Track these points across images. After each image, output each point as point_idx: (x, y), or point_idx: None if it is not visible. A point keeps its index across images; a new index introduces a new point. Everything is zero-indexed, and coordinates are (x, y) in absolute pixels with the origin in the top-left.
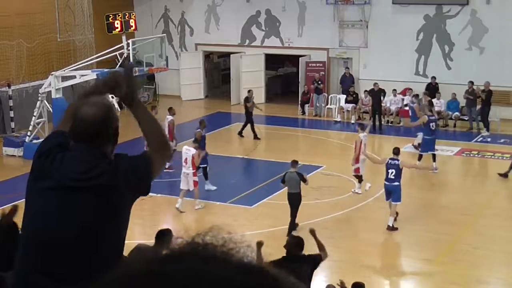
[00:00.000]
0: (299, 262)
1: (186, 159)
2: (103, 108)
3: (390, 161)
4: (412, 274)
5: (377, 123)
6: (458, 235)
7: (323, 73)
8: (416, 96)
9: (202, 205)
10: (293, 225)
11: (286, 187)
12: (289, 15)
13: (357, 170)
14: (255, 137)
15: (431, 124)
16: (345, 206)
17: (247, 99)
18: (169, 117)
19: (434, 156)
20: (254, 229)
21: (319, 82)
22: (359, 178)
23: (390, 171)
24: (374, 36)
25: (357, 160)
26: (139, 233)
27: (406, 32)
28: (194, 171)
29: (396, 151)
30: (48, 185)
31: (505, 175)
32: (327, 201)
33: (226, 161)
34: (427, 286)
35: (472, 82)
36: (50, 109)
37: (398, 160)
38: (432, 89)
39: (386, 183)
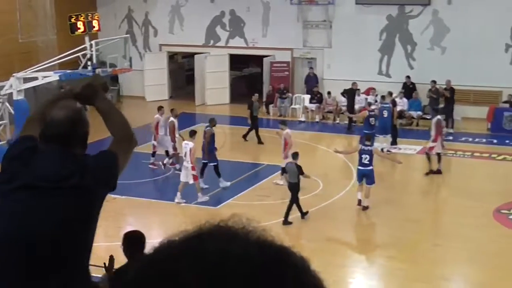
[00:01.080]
0: None
1: (185, 153)
2: (73, 111)
3: (363, 147)
4: (376, 272)
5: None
6: (421, 233)
7: (287, 73)
8: (383, 97)
9: (206, 198)
10: (300, 210)
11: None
12: (253, 16)
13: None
14: (260, 141)
15: (370, 119)
16: (310, 205)
17: (251, 104)
18: (171, 118)
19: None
20: None
21: (284, 92)
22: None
23: (363, 156)
24: (338, 36)
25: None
26: (103, 235)
27: (369, 32)
28: (192, 165)
29: (368, 138)
30: (19, 186)
31: (438, 171)
32: None
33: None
34: (391, 283)
35: (434, 81)
36: (12, 111)
37: (371, 146)
38: (408, 89)
39: (360, 167)
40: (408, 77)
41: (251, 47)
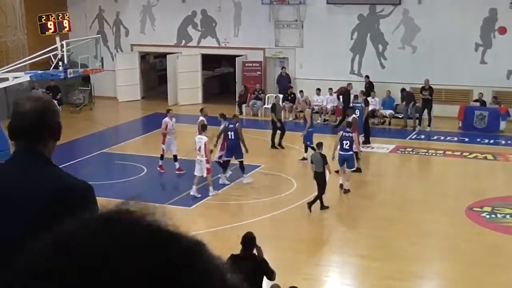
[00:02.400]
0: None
1: (199, 147)
2: (40, 101)
3: (344, 133)
4: (350, 271)
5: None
6: (394, 231)
7: (259, 72)
8: (356, 96)
9: (216, 192)
10: (320, 200)
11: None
12: (225, 15)
13: (221, 157)
14: (273, 146)
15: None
16: (283, 205)
17: (274, 107)
18: (201, 118)
19: (307, 148)
20: (193, 230)
21: (260, 92)
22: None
23: (344, 142)
24: (309, 36)
25: (221, 148)
26: None
27: (340, 31)
28: (207, 158)
29: (349, 125)
30: None
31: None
32: (266, 200)
33: (164, 162)
34: (364, 282)
35: (404, 89)
36: None
37: (351, 133)
38: (367, 88)
39: (341, 153)
40: (367, 76)
41: (223, 47)
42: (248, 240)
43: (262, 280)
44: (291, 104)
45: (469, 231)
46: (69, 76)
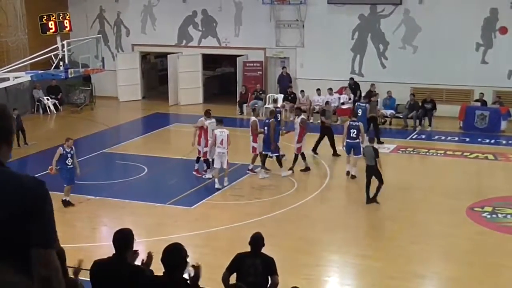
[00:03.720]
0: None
1: (222, 140)
2: None
3: (351, 123)
4: (351, 271)
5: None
6: (395, 231)
7: (260, 72)
8: (365, 97)
9: (226, 183)
10: (376, 192)
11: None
12: (226, 15)
13: (204, 154)
14: (315, 151)
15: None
16: (285, 204)
17: (324, 112)
18: (253, 118)
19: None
20: (193, 230)
21: (260, 92)
22: (208, 163)
23: (352, 131)
24: (310, 36)
25: (206, 144)
26: (79, 237)
27: (341, 31)
28: (227, 150)
29: (355, 114)
30: None
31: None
32: (267, 200)
33: (165, 162)
34: (365, 282)
35: (413, 95)
36: None
37: (358, 122)
38: (351, 89)
39: (349, 141)
40: (351, 78)
41: (224, 46)
42: (257, 240)
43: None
44: (291, 104)
45: (469, 231)
46: (70, 76)
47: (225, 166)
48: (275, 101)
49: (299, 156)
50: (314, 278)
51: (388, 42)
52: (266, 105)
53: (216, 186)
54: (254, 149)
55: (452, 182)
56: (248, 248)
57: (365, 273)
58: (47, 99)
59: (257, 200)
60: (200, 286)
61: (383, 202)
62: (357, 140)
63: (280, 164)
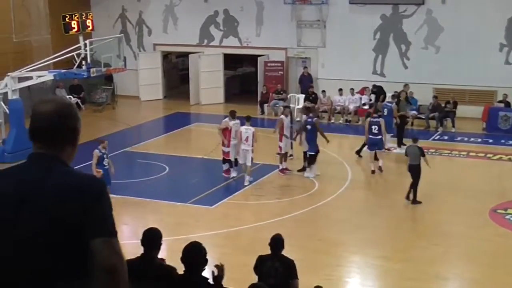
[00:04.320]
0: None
1: (247, 137)
2: (61, 103)
3: (372, 119)
4: (372, 272)
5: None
6: (416, 232)
7: (281, 72)
8: (393, 96)
9: (251, 179)
10: (415, 193)
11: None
12: (247, 15)
13: (227, 154)
14: (359, 153)
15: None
16: (305, 205)
17: (369, 115)
18: (281, 116)
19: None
20: (214, 229)
21: (281, 92)
22: (230, 163)
23: (373, 127)
24: (331, 36)
25: (228, 144)
26: None
27: (363, 31)
28: (253, 148)
29: (377, 110)
30: None
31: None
32: (288, 199)
33: (186, 161)
34: (386, 283)
35: (436, 97)
36: (7, 111)
37: (379, 118)
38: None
39: (371, 136)
40: (374, 85)
41: (245, 46)
42: (276, 241)
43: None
44: (313, 104)
45: (492, 233)
46: (92, 75)
47: (249, 163)
48: (393, 96)
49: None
50: (335, 279)
51: (410, 42)
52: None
53: (245, 183)
54: (280, 148)
55: (474, 184)
56: (268, 248)
57: (386, 275)
58: (70, 98)
59: (278, 200)
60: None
61: (405, 204)
62: (379, 136)
63: (313, 163)
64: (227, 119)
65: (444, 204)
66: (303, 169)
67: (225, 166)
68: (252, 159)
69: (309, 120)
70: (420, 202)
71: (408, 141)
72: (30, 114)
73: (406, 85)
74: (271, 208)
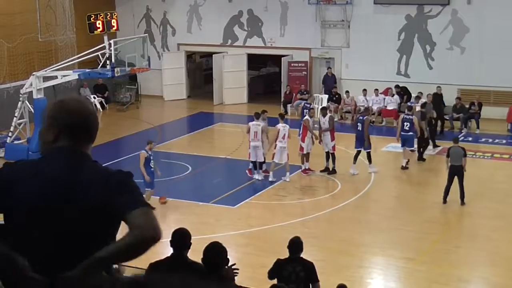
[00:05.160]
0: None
1: (284, 135)
2: (86, 101)
3: (405, 116)
4: (394, 274)
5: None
6: (440, 234)
7: (305, 73)
8: (417, 97)
9: (288, 179)
10: (463, 193)
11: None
12: (271, 15)
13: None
14: (421, 157)
15: (404, 124)
16: (328, 205)
17: (423, 116)
18: (307, 117)
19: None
20: (236, 229)
21: (305, 93)
22: (254, 164)
23: (405, 123)
24: (356, 36)
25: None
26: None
27: (387, 32)
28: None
29: (409, 108)
30: None
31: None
32: (310, 200)
33: (208, 161)
34: (409, 285)
35: (459, 98)
36: (32, 110)
37: (412, 115)
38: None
39: (403, 133)
40: (397, 86)
41: (269, 46)
42: (295, 245)
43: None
44: (336, 104)
45: None
46: (116, 75)
47: (284, 161)
48: (417, 98)
49: (330, 155)
50: (357, 280)
51: (435, 43)
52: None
53: (270, 179)
54: (301, 148)
55: (499, 186)
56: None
57: (409, 276)
58: (94, 98)
59: (300, 200)
60: (243, 285)
61: (428, 204)
62: (410, 133)
63: (370, 160)
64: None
65: (468, 206)
66: (325, 170)
67: (251, 165)
68: (288, 156)
69: (360, 118)
70: (464, 203)
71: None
72: (53, 112)
73: (438, 87)
74: (294, 208)
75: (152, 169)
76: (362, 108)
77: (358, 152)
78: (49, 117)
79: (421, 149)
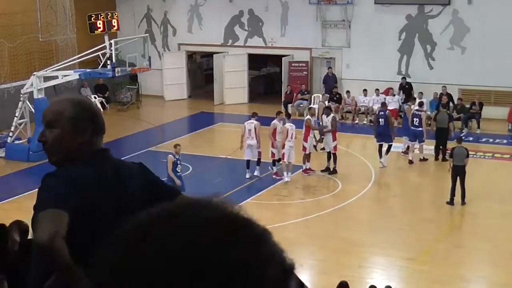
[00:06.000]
0: None
1: (292, 134)
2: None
3: (415, 111)
4: (395, 273)
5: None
6: (441, 234)
7: (306, 73)
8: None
9: (290, 178)
10: (464, 193)
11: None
12: (272, 15)
13: (273, 155)
14: (444, 157)
15: (414, 119)
16: (328, 205)
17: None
18: (308, 116)
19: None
20: None
21: (305, 93)
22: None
23: (415, 119)
24: (356, 36)
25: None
26: None
27: (388, 32)
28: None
29: (421, 103)
30: None
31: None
32: (311, 200)
33: (209, 161)
34: (410, 285)
35: (461, 99)
36: (32, 110)
37: (421, 111)
38: (404, 90)
39: (412, 128)
40: (403, 78)
41: (270, 46)
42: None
43: None
44: (336, 104)
45: None
46: (117, 75)
47: (292, 160)
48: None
49: (332, 155)
50: (357, 280)
51: (436, 43)
52: (311, 105)
53: (287, 179)
54: (304, 148)
55: (499, 185)
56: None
57: (409, 276)
58: (95, 97)
59: (301, 200)
60: None
61: (429, 205)
62: (420, 128)
63: (387, 152)
64: (275, 120)
65: (468, 206)
66: (326, 170)
67: (275, 168)
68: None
69: (382, 113)
70: (465, 203)
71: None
72: (90, 112)
73: (444, 87)
74: (295, 208)
75: (179, 173)
76: (362, 108)
77: (381, 146)
78: (73, 118)
79: (441, 147)
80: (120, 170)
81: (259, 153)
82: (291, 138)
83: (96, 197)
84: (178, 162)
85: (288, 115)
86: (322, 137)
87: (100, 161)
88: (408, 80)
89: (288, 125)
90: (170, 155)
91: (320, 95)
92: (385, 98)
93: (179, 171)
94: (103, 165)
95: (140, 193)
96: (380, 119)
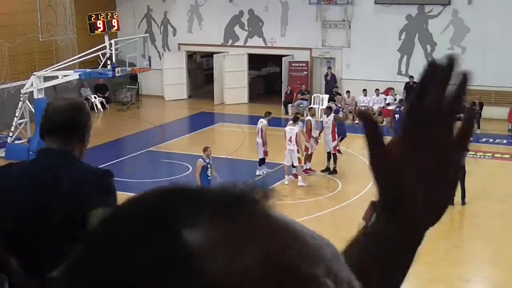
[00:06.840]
0: None
1: (290, 137)
2: (73, 100)
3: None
4: None
5: None
6: (440, 234)
7: (306, 73)
8: (401, 100)
9: (288, 181)
10: (464, 193)
11: None
12: (272, 15)
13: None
14: None
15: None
16: (328, 205)
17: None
18: (308, 117)
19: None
20: None
21: (305, 93)
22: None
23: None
24: (356, 36)
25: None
26: None
27: (388, 32)
28: (297, 148)
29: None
30: None
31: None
32: (311, 200)
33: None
34: (410, 285)
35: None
36: (32, 110)
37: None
38: (411, 89)
39: None
40: (411, 77)
41: (270, 46)
42: None
43: None
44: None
45: None
46: (117, 75)
47: (296, 163)
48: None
49: (332, 155)
50: None
51: (436, 43)
52: (311, 105)
53: (299, 183)
54: (306, 148)
55: (499, 185)
56: None
57: (410, 276)
58: (95, 97)
59: (301, 200)
60: None
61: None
62: None
63: None
64: (290, 122)
65: (468, 206)
66: (326, 170)
67: (305, 166)
68: (299, 159)
69: (397, 109)
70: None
71: None
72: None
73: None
74: (294, 208)
75: (209, 177)
76: (362, 108)
77: None
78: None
79: None
80: (45, 176)
81: (265, 152)
82: (290, 141)
83: (10, 196)
84: (209, 166)
85: (295, 118)
86: (318, 138)
87: (33, 161)
88: (408, 80)
89: (288, 128)
90: (200, 159)
91: (321, 95)
92: (385, 98)
93: (209, 175)
94: (32, 165)
95: (57, 205)
96: (396, 115)
